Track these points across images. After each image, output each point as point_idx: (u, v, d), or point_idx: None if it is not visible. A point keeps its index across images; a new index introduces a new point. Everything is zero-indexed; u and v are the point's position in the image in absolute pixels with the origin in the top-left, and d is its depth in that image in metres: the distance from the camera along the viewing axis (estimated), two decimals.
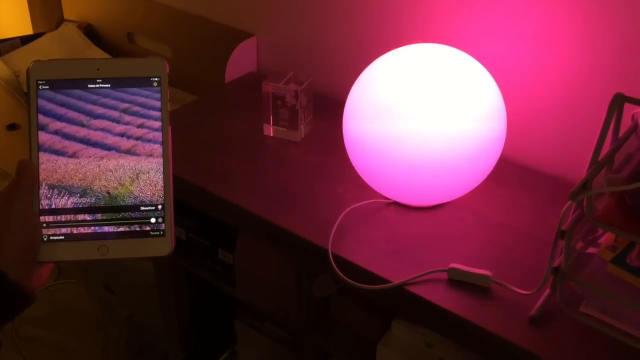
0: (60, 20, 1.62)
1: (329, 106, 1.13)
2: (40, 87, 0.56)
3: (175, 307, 1.21)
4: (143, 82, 0.57)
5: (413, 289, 0.76)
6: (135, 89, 0.57)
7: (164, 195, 0.56)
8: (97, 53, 1.52)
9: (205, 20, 1.33)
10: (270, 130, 1.07)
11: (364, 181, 0.90)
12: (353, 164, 0.90)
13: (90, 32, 1.57)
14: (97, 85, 0.57)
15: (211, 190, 0.94)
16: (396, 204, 0.91)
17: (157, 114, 0.57)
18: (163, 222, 0.56)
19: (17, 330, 1.53)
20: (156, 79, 0.57)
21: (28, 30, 1.66)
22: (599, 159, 0.66)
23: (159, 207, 0.56)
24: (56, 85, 0.56)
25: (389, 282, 0.77)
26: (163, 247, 0.57)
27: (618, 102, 0.67)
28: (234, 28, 1.29)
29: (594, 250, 0.71)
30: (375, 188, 0.89)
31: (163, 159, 0.57)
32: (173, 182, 0.57)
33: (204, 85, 1.30)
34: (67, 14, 1.62)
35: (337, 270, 0.81)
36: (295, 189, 0.94)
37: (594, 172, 0.64)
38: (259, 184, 0.96)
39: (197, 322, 1.26)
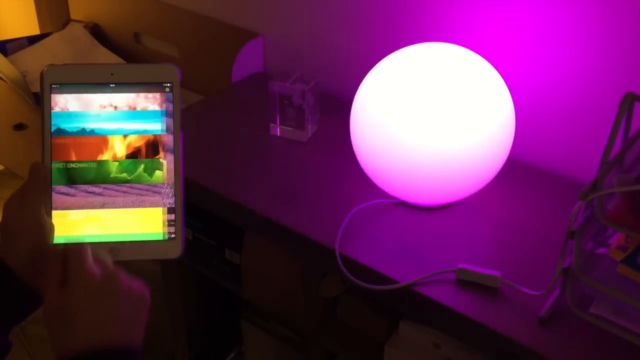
0: (67, 21, 1.62)
1: (336, 106, 1.13)
2: (54, 90, 0.57)
3: (182, 306, 1.21)
4: (155, 87, 0.57)
5: (421, 290, 0.76)
6: None
7: (175, 199, 0.57)
8: (104, 53, 1.52)
9: (212, 20, 1.33)
10: (277, 130, 1.07)
11: (371, 181, 0.89)
12: (360, 163, 0.89)
13: (97, 32, 1.57)
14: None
15: (218, 190, 0.94)
16: (404, 204, 0.91)
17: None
18: (174, 225, 0.57)
19: (23, 329, 1.53)
20: (168, 85, 0.58)
21: (35, 30, 1.67)
22: (609, 158, 0.66)
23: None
24: (70, 89, 0.57)
25: (396, 282, 0.77)
26: (173, 250, 0.57)
27: (628, 101, 0.66)
28: (241, 28, 1.28)
29: (604, 251, 0.70)
30: (383, 188, 0.89)
31: (174, 163, 0.57)
32: (183, 186, 0.57)
33: (211, 85, 1.30)
34: (74, 14, 1.63)
35: (345, 270, 0.81)
36: (302, 189, 0.94)
37: (604, 172, 0.64)
38: (265, 184, 0.96)
39: (204, 322, 1.26)
